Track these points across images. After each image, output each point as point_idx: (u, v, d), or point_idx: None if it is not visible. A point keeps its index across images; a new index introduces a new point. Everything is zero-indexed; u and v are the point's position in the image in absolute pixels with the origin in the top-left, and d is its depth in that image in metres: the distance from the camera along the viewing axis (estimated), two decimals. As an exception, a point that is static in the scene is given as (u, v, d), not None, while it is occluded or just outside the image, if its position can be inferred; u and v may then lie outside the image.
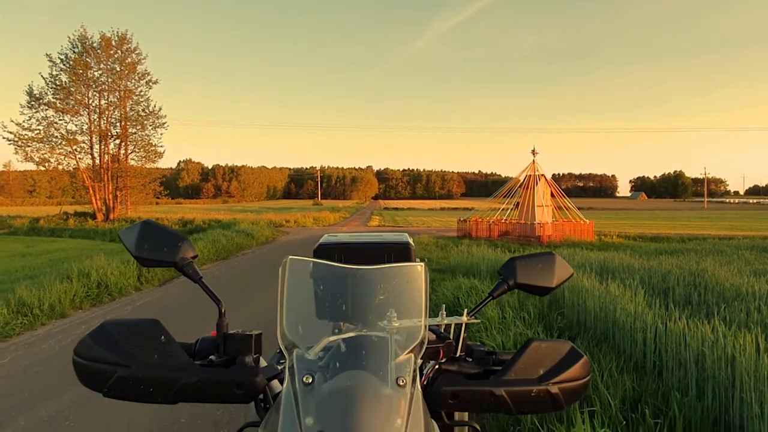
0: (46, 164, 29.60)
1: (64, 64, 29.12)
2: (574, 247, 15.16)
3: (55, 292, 7.69)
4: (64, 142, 29.34)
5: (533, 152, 22.31)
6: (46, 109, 28.90)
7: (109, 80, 30.39)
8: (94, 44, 29.67)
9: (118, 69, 30.48)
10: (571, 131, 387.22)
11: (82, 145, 30.27)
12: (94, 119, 30.40)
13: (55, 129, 29.23)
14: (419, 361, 1.00)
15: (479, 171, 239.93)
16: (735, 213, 58.05)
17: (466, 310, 1.15)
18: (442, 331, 1.18)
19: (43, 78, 29.02)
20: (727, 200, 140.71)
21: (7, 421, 3.89)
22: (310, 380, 0.90)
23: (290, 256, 1.03)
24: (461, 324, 1.15)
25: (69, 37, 29.79)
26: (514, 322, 5.37)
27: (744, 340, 3.47)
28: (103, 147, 30.81)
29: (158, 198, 42.26)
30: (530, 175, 22.19)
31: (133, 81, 31.18)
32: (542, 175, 22.13)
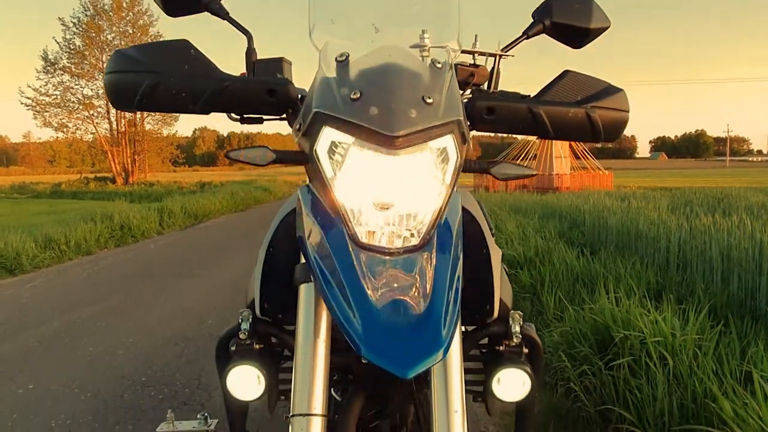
0: (65, 129, 29.92)
1: (77, 28, 29.10)
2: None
3: (80, 231, 7.83)
4: (81, 107, 29.55)
5: (552, 102, 21.95)
6: (62, 74, 29.05)
7: (122, 43, 30.29)
8: (106, 6, 29.52)
9: (130, 31, 30.32)
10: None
11: (98, 109, 30.47)
12: (110, 83, 30.45)
13: (72, 94, 29.42)
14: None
15: (495, 134, 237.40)
16: (759, 170, 56.84)
17: (499, 41, 1.13)
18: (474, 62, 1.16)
19: (57, 42, 29.09)
20: (750, 159, 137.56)
21: (40, 324, 4.04)
22: (344, 57, 0.88)
23: None
24: (495, 57, 1.12)
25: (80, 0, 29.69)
26: (535, 238, 5.36)
27: (773, 226, 3.42)
28: (119, 111, 30.94)
29: (176, 166, 43.34)
30: (548, 126, 21.87)
31: (146, 43, 31.08)
32: (561, 125, 21.78)
